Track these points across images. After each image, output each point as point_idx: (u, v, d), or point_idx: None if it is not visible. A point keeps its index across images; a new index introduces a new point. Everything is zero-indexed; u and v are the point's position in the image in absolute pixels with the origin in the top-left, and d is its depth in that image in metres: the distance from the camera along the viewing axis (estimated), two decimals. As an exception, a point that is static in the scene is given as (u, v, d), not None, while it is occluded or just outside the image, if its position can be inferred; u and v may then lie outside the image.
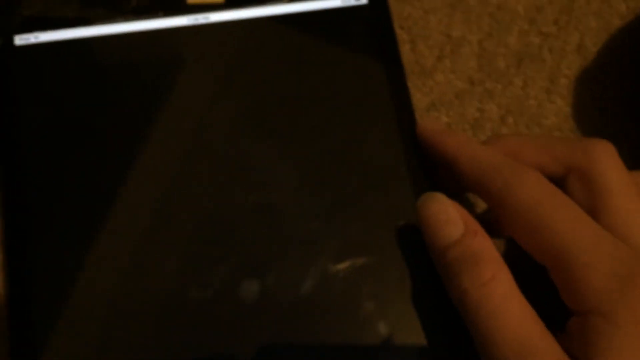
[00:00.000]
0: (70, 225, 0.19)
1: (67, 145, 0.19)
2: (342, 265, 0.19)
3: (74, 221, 0.19)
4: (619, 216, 0.16)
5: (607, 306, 0.14)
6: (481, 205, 0.21)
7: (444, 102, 0.22)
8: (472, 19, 0.23)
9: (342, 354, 0.18)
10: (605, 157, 0.17)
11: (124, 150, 0.20)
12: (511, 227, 0.17)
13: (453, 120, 0.22)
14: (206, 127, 0.20)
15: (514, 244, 0.17)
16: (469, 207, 0.20)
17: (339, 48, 0.21)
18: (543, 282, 0.16)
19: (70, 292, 0.18)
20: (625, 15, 0.23)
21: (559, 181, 0.17)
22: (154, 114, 0.20)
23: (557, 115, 0.22)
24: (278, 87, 0.21)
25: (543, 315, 0.16)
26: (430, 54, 0.22)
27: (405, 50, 0.22)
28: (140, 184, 0.19)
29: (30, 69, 0.20)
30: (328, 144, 0.20)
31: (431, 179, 0.19)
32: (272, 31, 0.21)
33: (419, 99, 0.22)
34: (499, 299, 0.15)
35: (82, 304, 0.18)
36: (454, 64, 0.22)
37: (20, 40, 0.20)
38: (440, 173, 0.19)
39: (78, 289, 0.18)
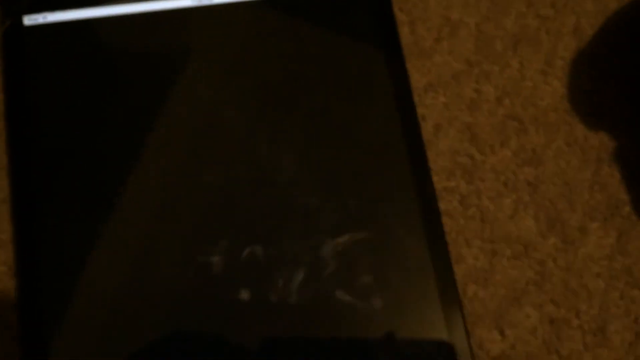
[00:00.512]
0: (79, 209, 0.19)
1: (76, 128, 0.20)
2: (341, 239, 0.19)
3: (83, 205, 0.19)
4: None
5: None
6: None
7: (441, 83, 0.22)
8: (470, 2, 0.23)
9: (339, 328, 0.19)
10: None
11: (131, 129, 0.20)
12: None
13: (450, 101, 0.22)
14: (212, 106, 0.21)
15: None
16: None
17: (339, 29, 0.22)
18: None
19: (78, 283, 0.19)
20: (622, -1, 0.24)
21: None
22: (161, 94, 0.21)
23: (553, 97, 0.23)
24: (280, 68, 0.21)
25: None
26: (428, 36, 0.23)
27: (404, 31, 0.23)
28: (149, 164, 0.20)
29: (40, 49, 0.21)
30: (328, 122, 0.21)
31: (426, 159, 0.20)
32: (273, 13, 0.22)
33: (417, 80, 0.22)
34: None
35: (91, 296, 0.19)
36: (452, 46, 0.23)
37: (29, 20, 0.21)
38: None
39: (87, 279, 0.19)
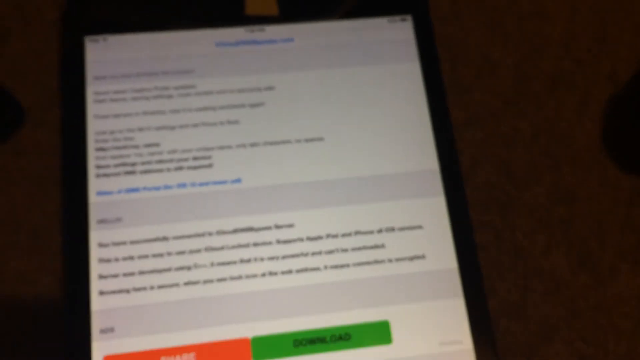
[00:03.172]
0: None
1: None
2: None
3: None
4: None
5: None
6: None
7: (479, 119, 0.23)
8: (509, 43, 0.24)
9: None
10: None
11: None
12: None
13: (487, 137, 0.23)
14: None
15: None
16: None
17: (384, 60, 0.23)
18: None
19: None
20: (657, 46, 0.24)
21: None
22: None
23: (587, 137, 0.23)
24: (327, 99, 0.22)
25: None
26: (468, 74, 0.24)
27: (445, 68, 0.23)
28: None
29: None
30: (370, 152, 0.21)
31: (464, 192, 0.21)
32: (321, 46, 0.23)
33: (456, 115, 0.23)
34: None
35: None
36: (491, 84, 0.24)
37: (90, 41, 0.22)
38: None
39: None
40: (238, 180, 0.20)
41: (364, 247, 0.20)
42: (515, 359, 0.20)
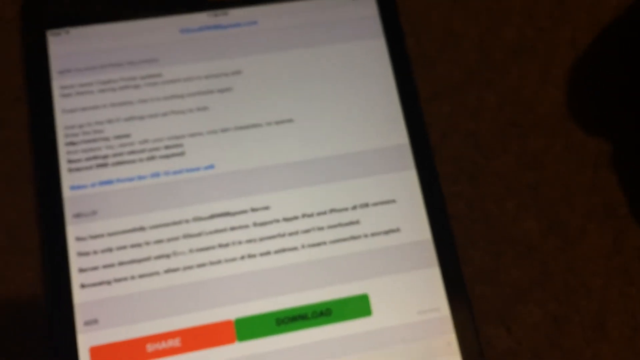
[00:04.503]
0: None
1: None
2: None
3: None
4: None
5: None
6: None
7: (445, 92, 0.23)
8: (470, 14, 0.24)
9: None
10: None
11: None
12: None
13: (454, 109, 0.23)
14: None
15: None
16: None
17: (349, 38, 0.23)
18: None
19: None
20: (616, 10, 0.25)
21: None
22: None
23: (551, 104, 0.24)
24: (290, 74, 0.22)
25: None
26: (432, 47, 0.24)
27: (409, 43, 0.24)
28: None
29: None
30: (336, 130, 0.22)
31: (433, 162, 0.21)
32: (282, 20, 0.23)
33: (423, 89, 0.23)
34: None
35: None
36: (455, 56, 0.24)
37: (52, 35, 0.22)
38: None
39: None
40: (211, 167, 0.21)
41: (340, 225, 0.20)
42: (491, 322, 0.21)
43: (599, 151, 0.23)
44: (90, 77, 0.21)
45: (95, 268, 0.19)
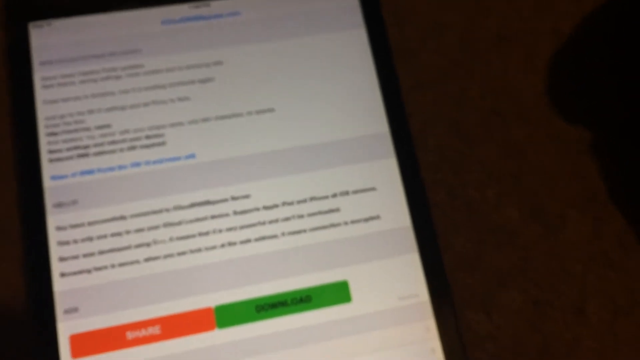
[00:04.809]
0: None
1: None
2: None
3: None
4: None
5: None
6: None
7: (428, 81, 0.24)
8: (455, 4, 0.25)
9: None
10: None
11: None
12: None
13: (437, 98, 0.23)
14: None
15: None
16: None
17: (330, 28, 0.23)
18: None
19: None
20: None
21: None
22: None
23: (534, 93, 0.24)
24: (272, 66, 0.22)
25: None
26: (415, 37, 0.24)
27: (392, 33, 0.24)
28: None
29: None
30: (317, 119, 0.22)
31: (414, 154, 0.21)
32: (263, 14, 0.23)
33: (406, 78, 0.23)
34: None
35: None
36: (438, 46, 0.24)
37: (34, 27, 0.22)
38: None
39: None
40: (192, 156, 0.21)
41: (320, 212, 0.20)
42: (471, 308, 0.21)
43: (580, 139, 0.23)
44: (72, 69, 0.21)
45: (75, 257, 0.19)
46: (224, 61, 0.22)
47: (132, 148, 0.20)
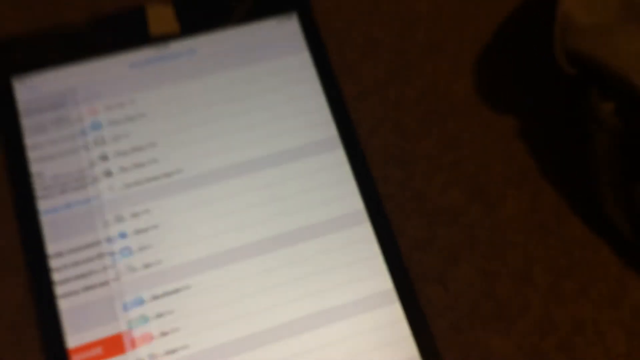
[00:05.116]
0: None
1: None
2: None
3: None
4: None
5: None
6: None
7: (370, 91, 0.27)
8: (386, 22, 0.28)
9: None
10: None
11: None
12: None
13: (379, 105, 0.26)
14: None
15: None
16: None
17: (278, 55, 0.26)
18: None
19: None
20: (510, 8, 0.28)
21: None
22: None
23: (464, 92, 0.27)
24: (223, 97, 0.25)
25: None
26: (355, 55, 0.27)
27: (333, 54, 0.27)
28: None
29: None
30: (269, 138, 0.25)
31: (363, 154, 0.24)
32: (215, 48, 0.26)
33: (350, 90, 0.26)
34: None
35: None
36: (376, 60, 0.27)
37: (18, 82, 0.24)
38: None
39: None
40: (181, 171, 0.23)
41: (283, 213, 0.23)
42: (429, 283, 0.24)
43: (510, 126, 0.26)
44: (54, 115, 0.24)
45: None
46: (182, 94, 0.25)
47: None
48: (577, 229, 0.25)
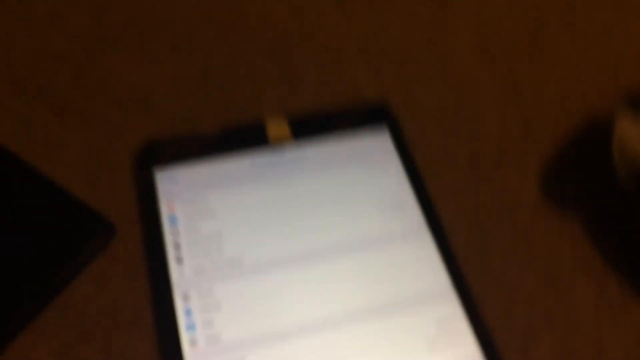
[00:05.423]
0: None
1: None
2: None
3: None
4: None
5: None
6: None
7: (448, 192, 0.31)
8: (459, 134, 0.33)
9: None
10: None
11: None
12: None
13: (457, 203, 0.31)
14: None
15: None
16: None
17: (374, 159, 0.31)
18: None
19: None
20: (572, 125, 0.34)
21: None
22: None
23: (533, 197, 0.31)
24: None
25: None
26: (435, 159, 0.32)
27: (417, 157, 0.32)
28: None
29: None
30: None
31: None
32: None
33: (432, 190, 0.31)
34: None
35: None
36: (451, 166, 0.32)
37: (160, 174, 0.30)
38: None
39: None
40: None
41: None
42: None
43: (574, 225, 0.30)
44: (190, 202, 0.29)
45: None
46: (294, 187, 0.30)
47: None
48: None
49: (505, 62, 0.36)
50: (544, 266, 0.29)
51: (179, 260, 0.27)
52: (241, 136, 0.32)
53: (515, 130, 0.34)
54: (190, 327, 0.25)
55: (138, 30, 0.36)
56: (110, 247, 0.28)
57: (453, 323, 0.26)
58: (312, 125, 0.32)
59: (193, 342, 0.25)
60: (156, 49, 0.35)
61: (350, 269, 0.27)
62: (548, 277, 0.28)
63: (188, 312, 0.26)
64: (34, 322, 0.26)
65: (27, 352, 0.25)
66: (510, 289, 0.28)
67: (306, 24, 0.37)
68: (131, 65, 0.34)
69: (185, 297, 0.26)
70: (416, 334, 0.26)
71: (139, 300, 0.27)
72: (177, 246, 0.28)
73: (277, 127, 0.32)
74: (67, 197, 0.28)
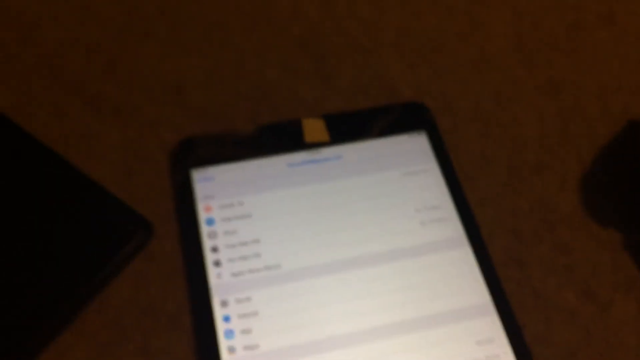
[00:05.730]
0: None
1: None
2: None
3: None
4: None
5: None
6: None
7: (489, 199, 0.31)
8: (495, 141, 0.32)
9: None
10: None
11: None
12: None
13: (497, 212, 0.30)
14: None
15: None
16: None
17: (410, 163, 0.31)
18: None
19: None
20: (609, 132, 0.33)
21: None
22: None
23: (572, 206, 0.31)
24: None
25: None
26: (472, 165, 0.32)
27: (455, 166, 0.31)
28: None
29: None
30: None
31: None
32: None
33: (471, 196, 0.30)
34: None
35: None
36: (489, 172, 0.31)
37: (195, 171, 0.30)
38: None
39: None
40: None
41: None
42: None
43: (614, 238, 0.30)
44: (224, 201, 0.29)
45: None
46: (331, 190, 0.30)
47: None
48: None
49: (542, 58, 0.35)
50: (583, 281, 0.28)
51: (217, 263, 0.27)
52: (277, 135, 0.31)
53: (553, 132, 0.33)
54: (229, 334, 0.25)
55: (170, 21, 0.35)
56: (147, 246, 0.28)
57: (493, 340, 0.26)
58: (348, 125, 0.32)
59: (231, 350, 0.25)
60: (189, 41, 0.35)
61: (388, 279, 0.27)
62: (588, 294, 0.28)
63: (226, 319, 0.26)
64: (72, 322, 0.26)
65: (65, 352, 0.26)
66: (549, 305, 0.28)
67: (338, 18, 0.36)
68: (164, 56, 0.34)
69: (224, 303, 0.26)
70: (455, 351, 0.26)
71: (177, 302, 0.27)
72: (215, 249, 0.28)
73: (313, 126, 0.31)
74: (107, 196, 0.28)
